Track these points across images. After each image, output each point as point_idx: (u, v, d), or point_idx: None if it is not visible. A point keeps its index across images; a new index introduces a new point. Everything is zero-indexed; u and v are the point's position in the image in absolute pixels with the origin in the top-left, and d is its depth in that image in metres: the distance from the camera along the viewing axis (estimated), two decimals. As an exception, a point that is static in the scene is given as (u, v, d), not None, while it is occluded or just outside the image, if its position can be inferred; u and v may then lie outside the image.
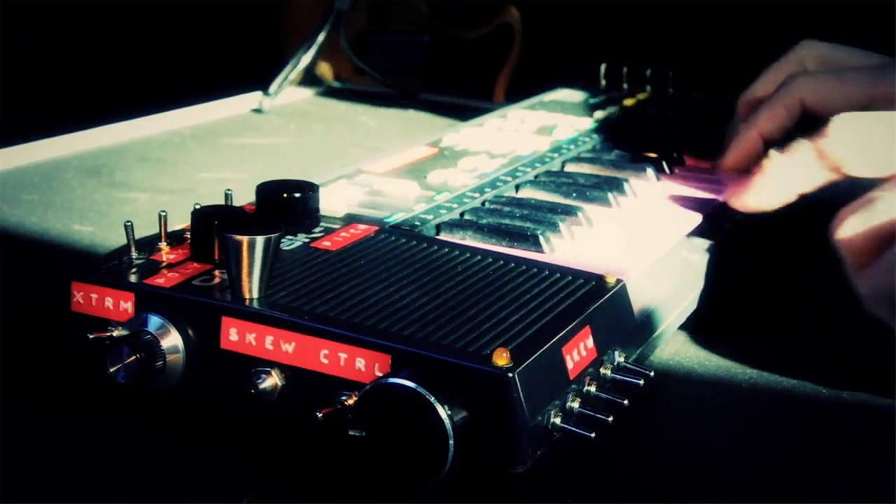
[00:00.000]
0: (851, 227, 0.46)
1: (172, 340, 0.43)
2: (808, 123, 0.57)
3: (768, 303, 0.58)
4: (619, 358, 0.45)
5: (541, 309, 0.44)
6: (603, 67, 0.91)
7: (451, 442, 0.37)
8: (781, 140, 0.60)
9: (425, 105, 1.11)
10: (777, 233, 0.61)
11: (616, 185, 0.61)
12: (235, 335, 0.42)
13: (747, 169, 0.57)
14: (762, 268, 0.61)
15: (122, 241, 0.48)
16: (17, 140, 0.86)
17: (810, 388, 0.49)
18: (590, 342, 0.43)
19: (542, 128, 0.75)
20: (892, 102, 0.56)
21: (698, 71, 0.88)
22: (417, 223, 0.54)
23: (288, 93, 1.06)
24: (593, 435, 0.40)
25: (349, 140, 0.93)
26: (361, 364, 0.40)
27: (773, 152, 0.53)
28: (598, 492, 0.41)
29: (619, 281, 0.47)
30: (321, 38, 1.10)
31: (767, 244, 0.62)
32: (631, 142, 0.71)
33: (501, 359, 0.38)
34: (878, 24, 0.93)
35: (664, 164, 0.66)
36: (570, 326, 0.43)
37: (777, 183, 0.53)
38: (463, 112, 0.95)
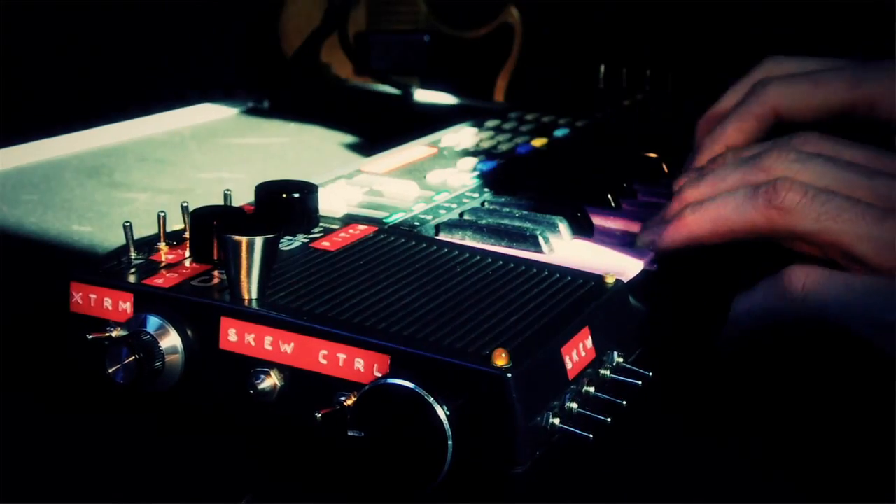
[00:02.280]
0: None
1: (171, 341, 0.43)
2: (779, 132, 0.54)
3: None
4: (618, 359, 0.45)
5: (540, 309, 0.44)
6: (602, 68, 0.91)
7: (450, 442, 0.37)
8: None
9: (425, 105, 1.11)
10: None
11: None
12: (234, 335, 0.42)
13: None
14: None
15: (122, 241, 0.48)
16: (17, 140, 0.86)
17: (810, 387, 0.49)
18: (589, 343, 0.43)
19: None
20: (873, 105, 0.53)
21: (699, 72, 0.88)
22: (416, 223, 0.54)
23: (287, 93, 1.06)
24: (592, 436, 0.40)
25: (349, 140, 0.93)
26: (360, 364, 0.40)
27: (734, 304, 0.50)
28: (597, 492, 0.41)
29: (618, 281, 0.47)
30: (321, 37, 1.10)
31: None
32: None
33: (500, 359, 0.38)
34: (879, 30, 0.93)
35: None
36: (569, 327, 0.43)
37: (736, 320, 0.50)
38: (463, 112, 0.95)
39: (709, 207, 0.50)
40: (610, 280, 0.47)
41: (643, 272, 0.51)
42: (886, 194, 0.47)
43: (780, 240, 0.50)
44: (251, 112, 1.02)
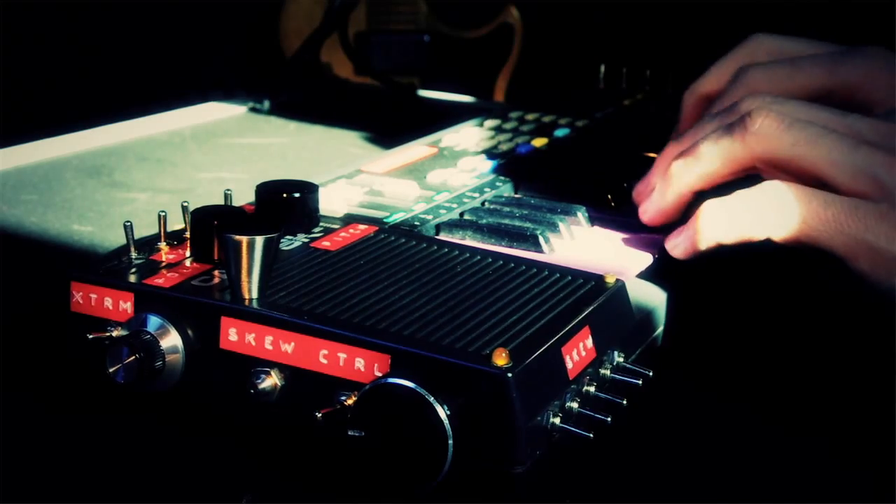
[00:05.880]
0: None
1: (172, 340, 0.43)
2: None
3: (757, 308, 0.58)
4: (619, 358, 0.45)
5: (540, 309, 0.44)
6: (602, 68, 0.91)
7: (451, 442, 0.37)
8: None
9: (425, 105, 1.11)
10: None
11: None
12: (235, 335, 0.42)
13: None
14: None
15: (122, 241, 0.48)
16: (17, 140, 0.86)
17: (809, 387, 0.49)
18: (589, 342, 0.43)
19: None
20: (851, 91, 0.54)
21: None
22: (417, 223, 0.54)
23: (287, 93, 1.06)
24: (592, 435, 0.40)
25: (349, 140, 0.93)
26: (361, 364, 0.40)
27: (706, 202, 0.49)
28: (598, 492, 0.41)
29: (618, 281, 0.47)
30: (321, 37, 1.10)
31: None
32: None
33: (501, 359, 0.38)
34: (880, 28, 0.93)
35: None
36: (570, 326, 0.43)
37: (709, 235, 0.49)
38: (463, 112, 0.95)
39: (691, 153, 0.51)
40: (610, 280, 0.47)
41: (645, 270, 0.51)
42: (860, 129, 0.48)
43: (760, 172, 0.50)
44: (251, 112, 1.02)
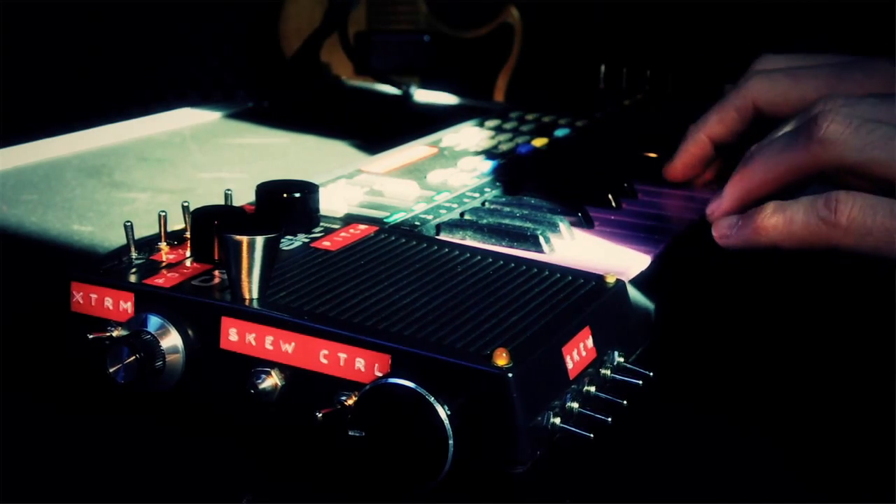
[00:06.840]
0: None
1: (172, 340, 0.43)
2: (764, 126, 0.55)
3: (758, 308, 0.58)
4: (619, 358, 0.45)
5: (541, 309, 0.44)
6: (602, 68, 0.91)
7: (451, 442, 0.37)
8: (734, 145, 0.58)
9: (425, 105, 1.11)
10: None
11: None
12: (235, 335, 0.42)
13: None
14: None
15: (122, 241, 0.48)
16: (17, 140, 0.86)
17: (809, 387, 0.49)
18: (589, 342, 0.43)
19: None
20: None
21: (699, 72, 0.88)
22: (417, 223, 0.54)
23: (287, 92, 1.06)
24: (592, 435, 0.40)
25: (349, 140, 0.93)
26: (361, 364, 0.40)
27: (771, 204, 0.48)
28: (597, 492, 0.41)
29: (618, 281, 0.47)
30: (321, 37, 1.10)
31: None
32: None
33: (501, 359, 0.38)
34: (880, 28, 0.93)
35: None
36: (570, 327, 0.43)
37: (766, 237, 0.48)
38: (463, 112, 0.95)
39: (757, 155, 0.50)
40: (610, 280, 0.47)
41: (645, 270, 0.51)
42: None
43: (830, 177, 0.48)
44: (251, 112, 1.02)
